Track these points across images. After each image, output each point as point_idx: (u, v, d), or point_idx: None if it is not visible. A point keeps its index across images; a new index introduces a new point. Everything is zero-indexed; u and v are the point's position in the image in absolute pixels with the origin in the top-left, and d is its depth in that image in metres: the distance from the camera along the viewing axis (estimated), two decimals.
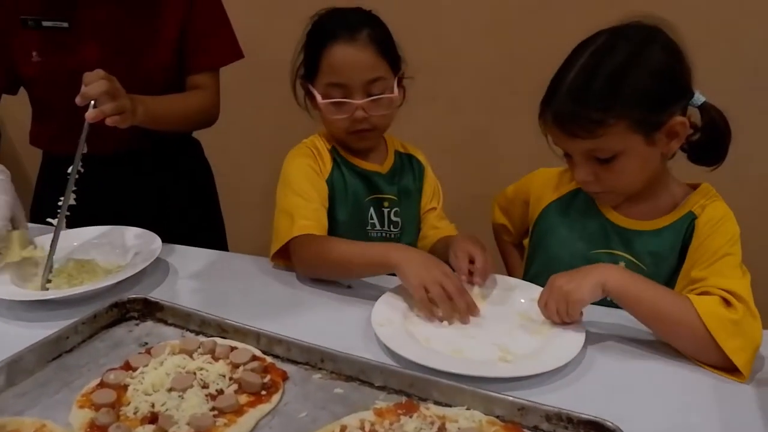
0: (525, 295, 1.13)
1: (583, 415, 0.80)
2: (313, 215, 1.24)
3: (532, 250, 1.33)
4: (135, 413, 0.84)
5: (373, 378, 0.91)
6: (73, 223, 1.23)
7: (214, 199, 1.67)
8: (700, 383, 0.94)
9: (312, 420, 0.85)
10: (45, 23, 1.36)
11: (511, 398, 0.84)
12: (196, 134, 1.63)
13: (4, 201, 1.14)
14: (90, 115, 1.13)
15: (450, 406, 0.86)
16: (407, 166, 1.43)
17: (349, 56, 1.23)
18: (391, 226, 1.38)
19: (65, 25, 1.36)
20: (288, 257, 1.24)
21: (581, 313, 1.03)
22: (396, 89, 1.27)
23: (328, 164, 1.33)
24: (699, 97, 1.07)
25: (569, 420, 0.81)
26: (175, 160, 1.53)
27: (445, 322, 1.06)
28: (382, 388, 0.90)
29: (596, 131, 1.01)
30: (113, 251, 1.30)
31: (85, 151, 1.17)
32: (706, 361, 0.96)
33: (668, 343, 1.00)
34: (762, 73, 1.96)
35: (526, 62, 1.90)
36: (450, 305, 1.06)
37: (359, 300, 1.16)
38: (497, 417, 0.84)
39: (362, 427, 0.81)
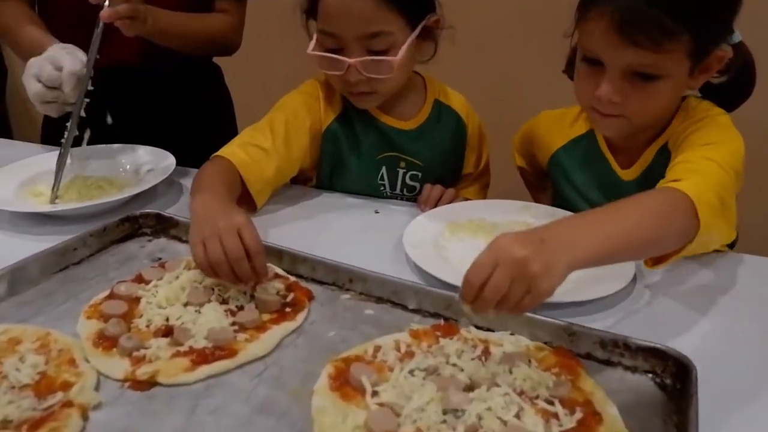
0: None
1: (643, 342, 0.72)
2: (255, 159, 1.06)
3: (554, 197, 1.22)
4: (147, 326, 0.77)
5: (406, 299, 0.84)
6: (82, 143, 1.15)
7: (232, 128, 1.57)
8: None
9: (341, 340, 0.77)
10: None
11: (560, 322, 0.76)
12: (218, 61, 1.53)
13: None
14: (105, 13, 1.04)
15: (492, 331, 0.78)
16: (445, 121, 1.21)
17: (344, 1, 1.02)
18: (405, 190, 1.21)
19: None
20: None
21: None
22: (405, 49, 1.04)
23: (336, 107, 1.17)
24: (737, 34, 0.96)
25: (626, 347, 0.73)
26: (192, 83, 1.43)
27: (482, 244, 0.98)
28: (416, 311, 0.83)
29: (663, 43, 0.90)
30: (125, 168, 1.23)
31: (97, 56, 1.08)
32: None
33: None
34: None
35: None
36: (228, 269, 0.80)
37: (387, 225, 1.08)
38: (545, 343, 0.76)
39: (398, 348, 0.74)
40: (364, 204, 1.16)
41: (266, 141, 1.08)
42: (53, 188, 1.10)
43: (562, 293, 0.72)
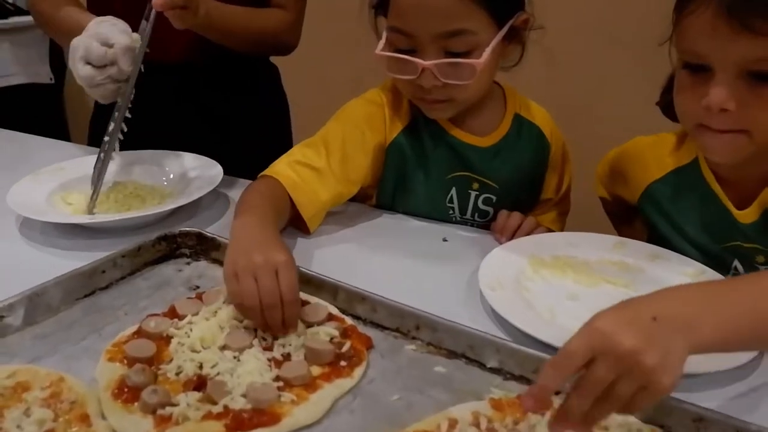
0: (681, 268, 0.88)
1: None
2: (306, 180, 0.94)
3: (649, 234, 1.03)
4: (177, 374, 0.65)
5: (485, 356, 0.69)
6: (126, 145, 1.04)
7: (287, 133, 1.45)
8: None
9: (407, 406, 0.63)
10: None
11: (687, 405, 0.60)
12: (275, 60, 1.41)
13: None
14: (158, 1, 0.93)
15: None
16: (526, 138, 1.06)
17: None
18: (477, 215, 1.06)
19: None
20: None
21: None
22: (489, 51, 0.89)
23: (404, 118, 1.02)
24: None
25: None
26: (244, 84, 1.31)
27: (571, 287, 0.83)
28: (496, 371, 0.68)
29: None
30: (168, 176, 1.11)
31: (147, 50, 0.97)
32: None
33: None
34: None
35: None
36: (259, 313, 0.70)
37: (456, 256, 0.93)
38: (661, 427, 0.60)
39: (477, 423, 0.59)
40: (431, 229, 1.02)
41: (319, 160, 0.95)
42: (92, 197, 0.99)
43: None
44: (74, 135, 2.80)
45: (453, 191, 1.04)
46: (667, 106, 0.89)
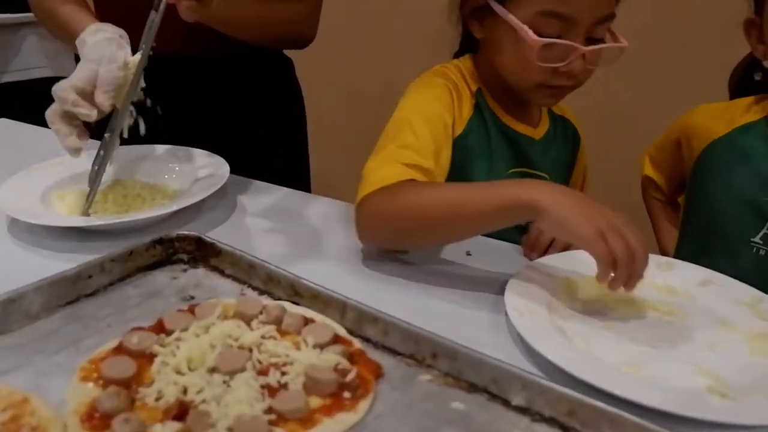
0: (736, 296, 0.77)
1: None
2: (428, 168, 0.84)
3: (688, 202, 1.09)
4: (157, 399, 0.57)
5: (510, 392, 0.60)
6: (128, 140, 0.96)
7: (300, 130, 1.37)
8: None
9: None
10: None
11: None
12: (289, 53, 1.33)
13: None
14: None
15: None
16: (561, 132, 1.05)
17: None
18: None
19: None
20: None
21: None
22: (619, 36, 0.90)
23: (466, 111, 0.95)
24: None
25: None
26: (258, 75, 1.24)
27: (613, 320, 0.73)
28: (523, 411, 0.59)
29: None
30: (170, 174, 1.04)
31: (154, 44, 0.90)
32: None
33: None
34: None
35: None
36: (631, 268, 0.69)
37: (480, 272, 0.84)
38: None
39: None
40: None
41: (427, 160, 0.84)
42: (88, 197, 0.92)
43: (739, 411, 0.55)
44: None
45: None
46: (738, 84, 1.03)
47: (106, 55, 0.87)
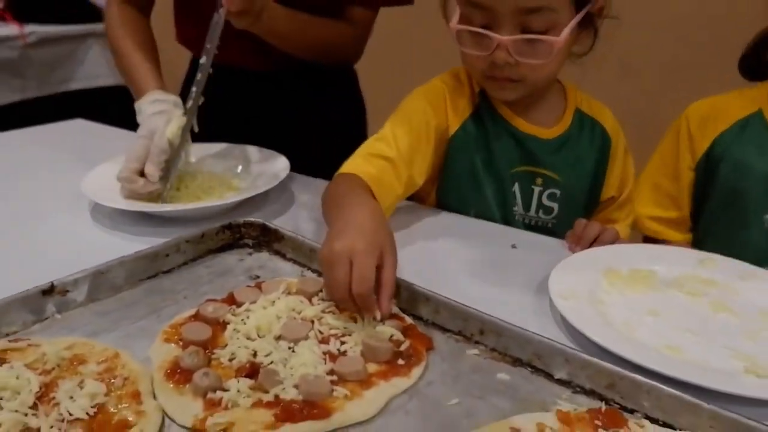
0: None
1: None
2: (382, 171, 0.90)
3: (716, 197, 1.09)
4: (231, 360, 0.63)
5: (553, 366, 0.64)
6: (198, 137, 1.05)
7: (362, 138, 1.43)
8: None
9: (466, 412, 0.59)
10: None
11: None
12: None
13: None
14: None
15: (672, 427, 0.57)
16: (588, 134, 1.04)
17: None
18: (541, 212, 1.03)
19: None
20: None
21: None
22: (567, 31, 0.87)
23: (465, 109, 1.00)
24: None
25: None
26: (322, 85, 1.30)
27: (653, 305, 0.76)
28: (565, 383, 0.63)
29: None
30: (235, 169, 1.12)
31: (216, 51, 0.98)
32: None
33: None
34: None
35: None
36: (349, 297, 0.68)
37: (526, 263, 0.88)
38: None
39: None
40: (497, 232, 0.98)
41: (390, 149, 0.93)
42: (166, 187, 1.00)
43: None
44: None
45: (516, 187, 1.01)
46: (749, 66, 1.05)
47: (158, 131, 0.98)
